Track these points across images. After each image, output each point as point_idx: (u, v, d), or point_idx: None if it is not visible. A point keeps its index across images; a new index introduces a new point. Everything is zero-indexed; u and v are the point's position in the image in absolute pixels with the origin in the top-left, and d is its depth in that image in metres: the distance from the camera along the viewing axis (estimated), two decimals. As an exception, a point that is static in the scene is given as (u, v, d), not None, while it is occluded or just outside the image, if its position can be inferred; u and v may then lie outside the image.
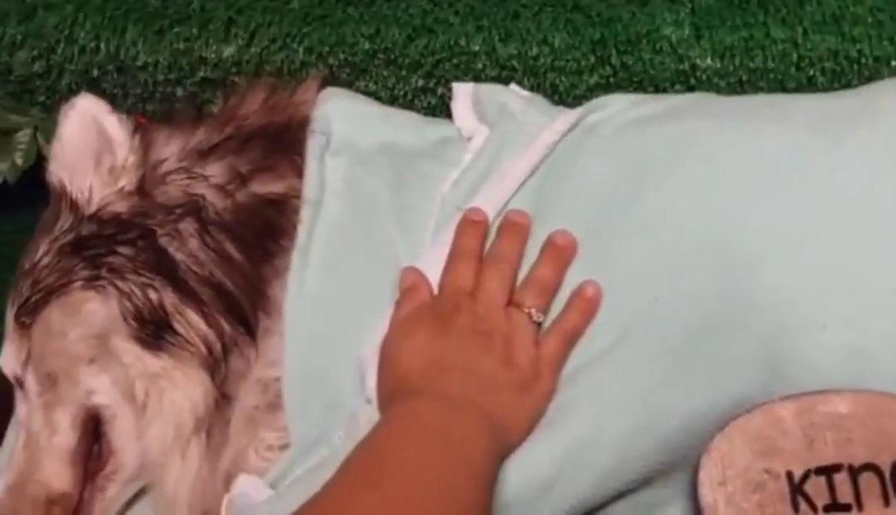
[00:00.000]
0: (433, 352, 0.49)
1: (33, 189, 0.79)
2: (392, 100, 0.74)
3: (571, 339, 0.51)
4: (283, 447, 0.53)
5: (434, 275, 0.54)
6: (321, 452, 0.51)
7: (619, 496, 0.49)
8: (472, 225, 0.56)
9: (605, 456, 0.48)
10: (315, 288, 0.54)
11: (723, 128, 0.57)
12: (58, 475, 0.57)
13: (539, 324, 0.52)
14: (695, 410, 0.48)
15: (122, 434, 0.57)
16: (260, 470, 0.53)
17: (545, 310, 0.52)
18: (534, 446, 0.48)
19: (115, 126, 0.61)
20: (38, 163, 0.78)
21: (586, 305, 0.51)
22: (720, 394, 0.48)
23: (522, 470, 0.47)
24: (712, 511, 0.45)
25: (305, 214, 0.56)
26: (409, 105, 0.75)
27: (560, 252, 0.53)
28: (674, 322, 0.50)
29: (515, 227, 0.55)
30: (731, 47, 0.68)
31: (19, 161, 0.77)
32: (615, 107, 0.62)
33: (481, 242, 0.55)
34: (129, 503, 0.60)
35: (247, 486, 0.51)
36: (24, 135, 0.77)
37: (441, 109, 0.75)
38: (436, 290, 0.54)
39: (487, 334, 0.50)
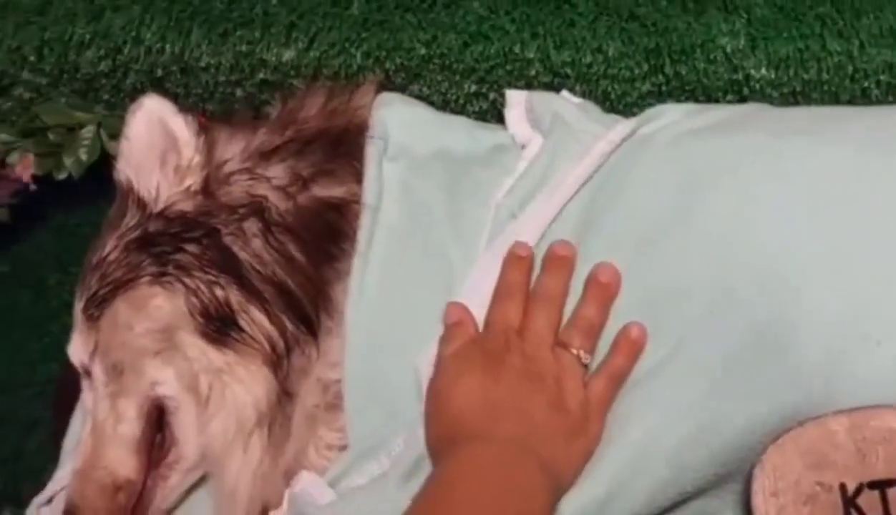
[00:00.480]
0: (485, 394, 0.50)
1: (96, 183, 0.83)
2: (444, 104, 0.76)
3: (619, 382, 0.52)
4: (342, 447, 0.55)
5: (487, 285, 0.56)
6: (381, 458, 0.53)
7: (673, 505, 0.50)
8: (518, 260, 0.56)
9: (660, 467, 0.49)
10: (374, 295, 0.56)
11: (778, 142, 0.57)
12: (123, 462, 0.59)
13: (586, 366, 0.53)
14: (747, 422, 0.49)
15: (185, 425, 0.59)
16: (319, 468, 0.55)
17: (592, 351, 0.53)
18: (592, 463, 0.49)
19: (182, 126, 0.63)
20: (102, 158, 0.81)
21: (632, 347, 0.52)
22: (773, 407, 0.48)
23: (582, 487, 0.48)
24: (764, 521, 0.46)
25: (365, 219, 0.58)
26: (460, 109, 0.76)
27: (604, 290, 0.54)
28: (727, 334, 0.51)
29: (560, 261, 0.55)
30: (786, 58, 0.69)
31: (84, 156, 0.79)
32: (670, 118, 0.63)
33: (527, 277, 0.56)
34: (189, 490, 0.62)
35: (309, 484, 0.53)
36: (88, 132, 0.80)
37: (492, 113, 0.76)
38: (481, 318, 0.55)
39: (538, 376, 0.51)
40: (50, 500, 0.64)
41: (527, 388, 0.50)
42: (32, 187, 0.78)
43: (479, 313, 0.55)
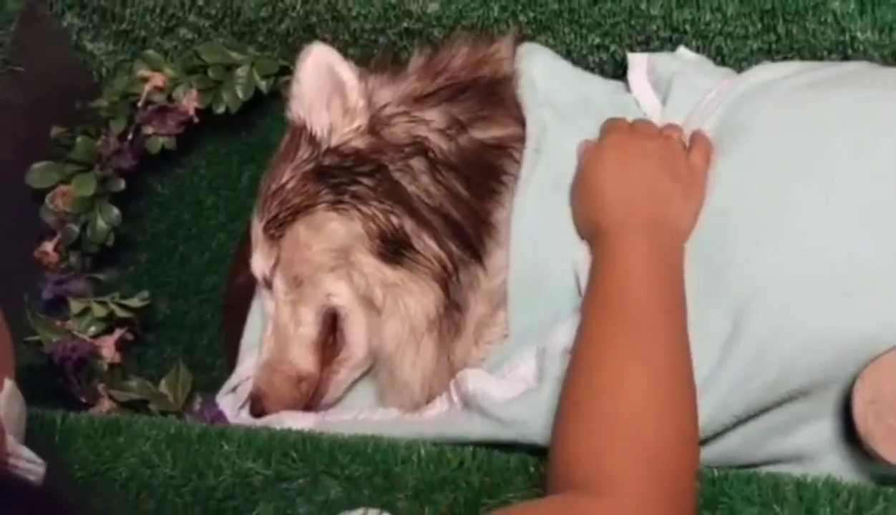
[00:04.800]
0: (624, 179, 0.63)
1: (247, 119, 0.92)
2: (567, 54, 0.83)
3: (708, 157, 0.65)
4: (502, 338, 0.65)
5: None
6: (535, 344, 0.63)
7: (778, 404, 0.59)
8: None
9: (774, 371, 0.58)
10: (535, 211, 0.65)
11: (889, 97, 0.65)
12: (303, 358, 0.71)
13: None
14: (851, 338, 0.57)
15: (355, 329, 0.70)
16: (477, 359, 0.66)
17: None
18: (720, 366, 0.59)
19: (348, 72, 0.71)
20: (255, 96, 0.90)
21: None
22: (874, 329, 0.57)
23: (712, 386, 0.58)
24: (863, 423, 0.56)
25: (528, 153, 0.66)
26: (582, 59, 0.83)
27: (707, 142, 0.66)
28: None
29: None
30: (892, 23, 0.75)
31: (240, 93, 0.88)
32: (786, 71, 0.70)
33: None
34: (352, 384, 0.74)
35: (478, 382, 0.63)
36: (243, 71, 0.88)
37: (610, 64, 0.84)
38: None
39: (658, 153, 0.64)
40: (234, 389, 0.76)
41: (653, 165, 0.64)
42: (196, 119, 0.88)
43: None
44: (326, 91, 0.72)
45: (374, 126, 0.70)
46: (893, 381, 0.56)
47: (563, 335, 0.60)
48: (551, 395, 0.57)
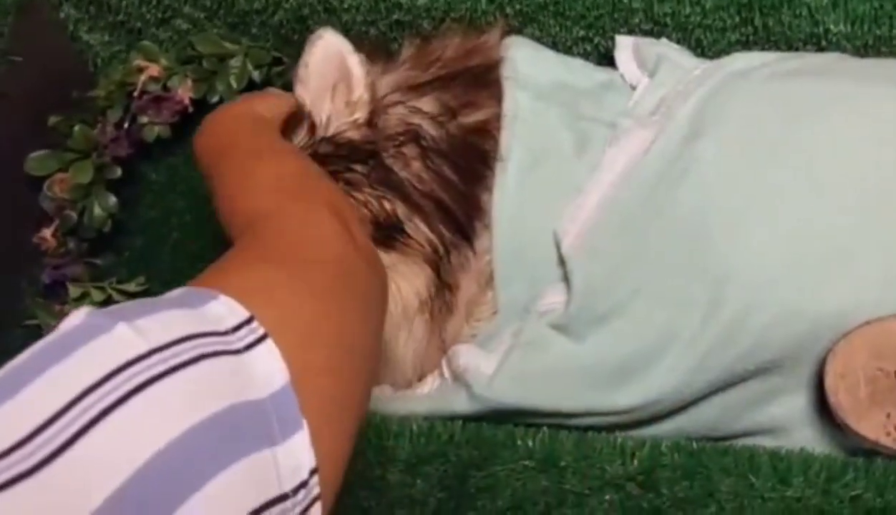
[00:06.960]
0: None
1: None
2: (553, 46, 0.85)
3: None
4: (491, 315, 0.68)
5: (609, 177, 0.68)
6: (517, 323, 0.65)
7: (755, 372, 0.62)
8: None
9: (746, 342, 0.61)
10: (515, 188, 0.68)
11: (861, 87, 0.67)
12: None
13: None
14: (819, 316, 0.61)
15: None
16: (468, 337, 0.68)
17: None
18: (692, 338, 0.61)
19: (357, 64, 0.70)
20: (248, 86, 0.91)
21: None
22: (842, 306, 0.60)
23: (680, 358, 0.61)
24: (834, 396, 0.59)
25: (504, 132, 0.69)
26: (567, 50, 0.86)
27: None
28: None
29: None
30: (863, 15, 0.78)
31: (234, 83, 0.90)
32: (762, 60, 0.73)
33: None
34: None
35: (470, 357, 0.65)
36: (236, 61, 0.90)
37: (595, 55, 0.87)
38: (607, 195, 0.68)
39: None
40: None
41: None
42: (190, 109, 0.89)
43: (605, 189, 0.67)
44: (332, 80, 0.71)
45: (372, 118, 0.72)
46: (863, 356, 0.59)
47: (545, 301, 0.63)
48: (521, 359, 0.60)
